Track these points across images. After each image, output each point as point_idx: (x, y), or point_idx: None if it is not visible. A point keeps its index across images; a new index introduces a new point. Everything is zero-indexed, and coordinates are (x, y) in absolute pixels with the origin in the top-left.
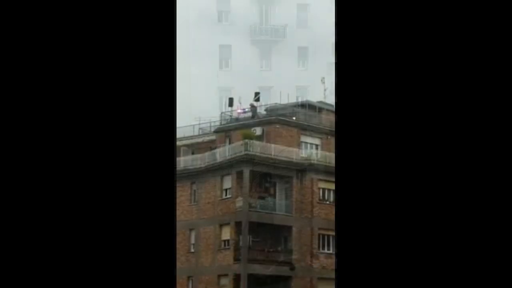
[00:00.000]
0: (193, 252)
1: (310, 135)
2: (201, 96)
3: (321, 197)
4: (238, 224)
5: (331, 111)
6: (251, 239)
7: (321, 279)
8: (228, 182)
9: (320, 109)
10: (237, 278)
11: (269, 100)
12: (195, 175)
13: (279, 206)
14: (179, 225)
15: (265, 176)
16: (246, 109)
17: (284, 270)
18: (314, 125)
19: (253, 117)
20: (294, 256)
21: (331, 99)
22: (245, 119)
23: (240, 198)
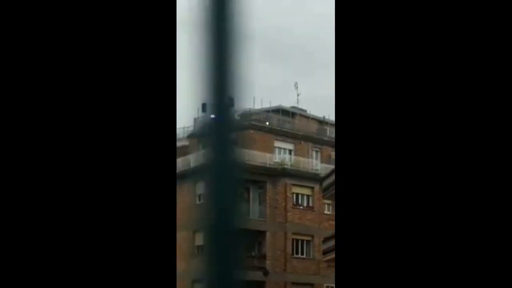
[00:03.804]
0: None
1: (284, 140)
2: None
3: (294, 202)
4: None
5: (304, 116)
6: None
7: (294, 283)
8: (201, 188)
9: (293, 114)
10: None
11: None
12: None
13: (252, 211)
14: None
15: None
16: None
17: (258, 275)
18: (288, 130)
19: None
20: (268, 261)
21: (304, 104)
22: None
23: None
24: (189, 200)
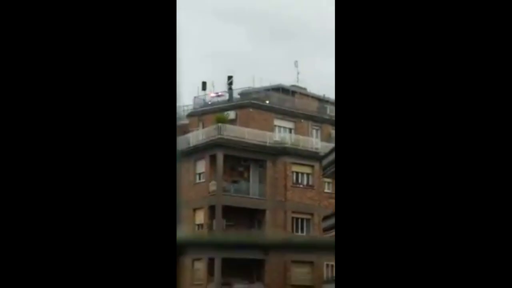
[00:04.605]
0: None
1: (284, 119)
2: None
3: (294, 181)
4: (211, 208)
5: (304, 94)
6: (225, 223)
7: (294, 261)
8: (201, 166)
9: (293, 93)
10: (211, 262)
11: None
12: None
13: (252, 190)
14: None
15: (239, 160)
16: (220, 93)
17: (257, 254)
18: (288, 109)
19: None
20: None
21: (303, 83)
22: (218, 103)
23: (213, 182)
24: (189, 179)
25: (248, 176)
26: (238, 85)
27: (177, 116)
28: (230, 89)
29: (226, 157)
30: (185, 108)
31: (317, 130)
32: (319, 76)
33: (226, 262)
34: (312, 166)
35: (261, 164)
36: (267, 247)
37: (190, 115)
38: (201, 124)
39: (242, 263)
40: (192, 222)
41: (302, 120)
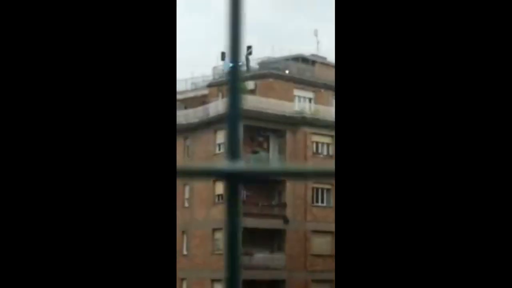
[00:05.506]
0: (187, 207)
1: (304, 89)
2: (194, 49)
3: (314, 151)
4: None
5: (324, 64)
6: (245, 193)
7: (315, 231)
8: (221, 137)
9: (313, 62)
10: None
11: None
12: (188, 130)
13: (272, 160)
14: None
15: (258, 130)
16: (240, 62)
17: (278, 224)
18: (308, 79)
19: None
20: (288, 210)
21: (324, 52)
22: None
23: None
24: (209, 149)
25: (268, 147)
26: (257, 55)
27: (197, 86)
28: (247, 59)
29: (245, 128)
30: (205, 78)
31: None
32: None
33: (247, 232)
34: (332, 136)
35: (280, 134)
36: None
37: (210, 86)
38: (220, 94)
39: (263, 233)
40: (212, 193)
41: (322, 90)
